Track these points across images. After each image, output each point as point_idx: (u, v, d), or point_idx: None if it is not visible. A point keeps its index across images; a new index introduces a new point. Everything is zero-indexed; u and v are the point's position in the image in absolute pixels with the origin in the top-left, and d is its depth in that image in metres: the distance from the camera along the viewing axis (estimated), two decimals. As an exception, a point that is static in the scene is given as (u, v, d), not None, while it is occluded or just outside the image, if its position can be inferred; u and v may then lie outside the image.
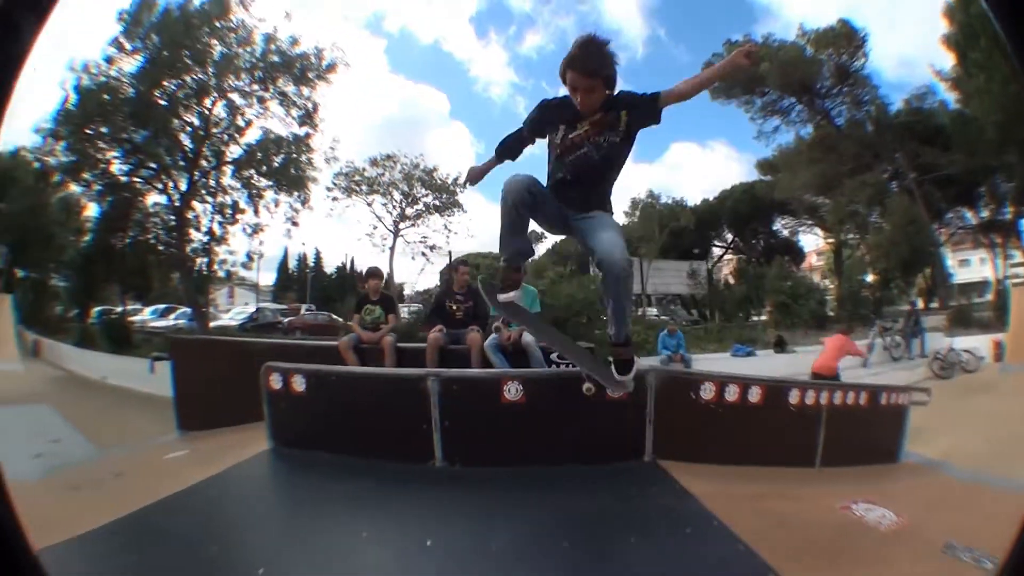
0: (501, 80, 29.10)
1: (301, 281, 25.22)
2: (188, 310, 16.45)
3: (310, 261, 25.66)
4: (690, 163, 29.07)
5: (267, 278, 23.29)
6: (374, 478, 2.96)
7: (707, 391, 3.30)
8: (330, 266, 26.21)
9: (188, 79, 13.84)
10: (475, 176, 2.84)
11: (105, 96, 13.22)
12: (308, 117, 15.32)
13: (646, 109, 2.41)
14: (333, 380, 3.52)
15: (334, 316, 17.96)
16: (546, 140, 2.56)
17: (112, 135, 13.72)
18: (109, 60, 13.30)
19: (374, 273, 5.74)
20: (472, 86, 26.20)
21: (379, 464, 3.11)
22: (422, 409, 3.14)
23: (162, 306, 18.59)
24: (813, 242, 21.69)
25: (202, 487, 2.84)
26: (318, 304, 21.17)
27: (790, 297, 15.67)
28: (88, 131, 13.36)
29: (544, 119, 2.55)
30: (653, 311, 19.42)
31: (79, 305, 17.10)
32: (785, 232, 21.82)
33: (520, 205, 2.40)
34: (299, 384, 3.36)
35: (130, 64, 13.45)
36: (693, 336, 14.54)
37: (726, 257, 23.24)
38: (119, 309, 17.60)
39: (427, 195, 18.06)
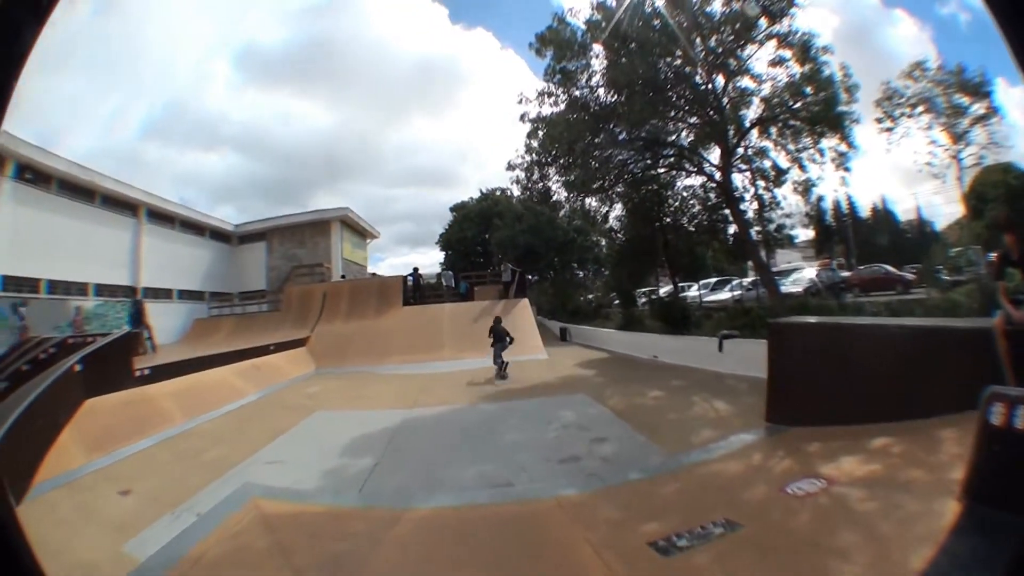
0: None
1: (839, 232, 23.61)
2: (743, 281, 16.78)
3: (843, 209, 23.39)
4: None
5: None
6: None
7: None
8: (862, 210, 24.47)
9: (668, 61, 12.84)
10: None
11: (572, 116, 13.27)
12: (804, 51, 12.75)
13: None
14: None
15: (890, 268, 16.63)
16: None
17: (608, 143, 13.74)
18: (562, 80, 13.09)
19: (1007, 221, 4.83)
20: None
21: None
22: None
23: (713, 279, 19.53)
24: None
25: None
26: (860, 256, 20.06)
27: None
28: (574, 150, 13.51)
29: None
30: None
31: (618, 292, 18.84)
32: None
33: None
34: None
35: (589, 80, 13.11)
36: None
37: None
38: (664, 289, 18.80)
39: (966, 102, 14.45)
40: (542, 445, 5.55)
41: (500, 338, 10.44)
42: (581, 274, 25.52)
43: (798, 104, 12.59)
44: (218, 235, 25.25)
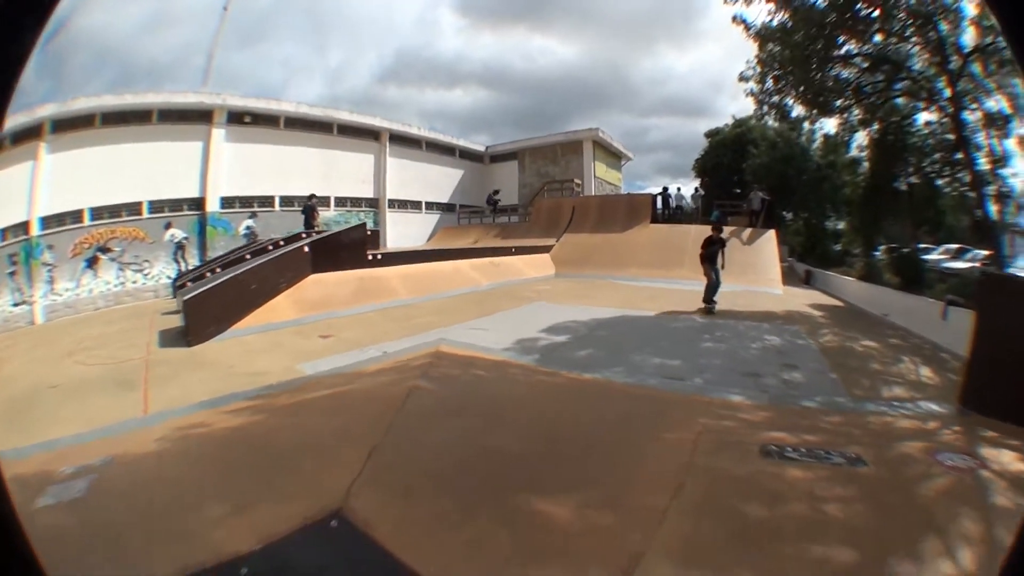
0: None
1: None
2: (984, 253, 13.99)
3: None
4: None
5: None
6: None
7: None
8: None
9: None
10: None
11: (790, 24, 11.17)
12: None
13: None
14: None
15: None
16: None
17: (833, 57, 11.76)
18: None
19: None
20: None
21: None
22: None
23: (953, 246, 16.60)
24: None
25: None
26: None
27: None
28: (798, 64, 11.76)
29: None
30: None
31: (862, 241, 17.80)
32: None
33: None
34: None
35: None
36: None
37: None
38: (906, 248, 16.47)
39: None
40: (734, 358, 5.25)
41: (713, 260, 8.68)
42: (832, 215, 21.70)
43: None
44: (468, 155, 27.93)
